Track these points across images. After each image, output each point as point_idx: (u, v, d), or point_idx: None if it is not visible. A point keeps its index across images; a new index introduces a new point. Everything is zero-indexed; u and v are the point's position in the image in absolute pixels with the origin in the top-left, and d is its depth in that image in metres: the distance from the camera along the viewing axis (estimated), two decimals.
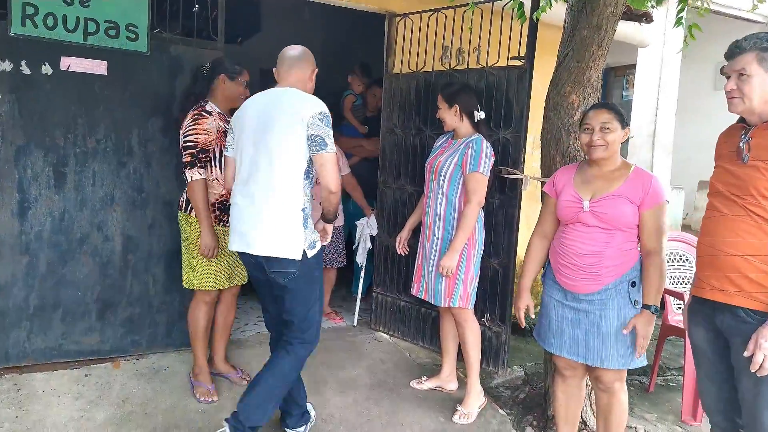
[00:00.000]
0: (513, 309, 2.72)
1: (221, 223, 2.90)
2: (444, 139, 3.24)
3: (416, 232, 3.37)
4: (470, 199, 2.95)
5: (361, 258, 4.03)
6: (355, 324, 4.12)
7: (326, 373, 3.35)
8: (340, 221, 4.14)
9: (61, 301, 3.12)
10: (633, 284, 2.34)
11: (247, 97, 2.70)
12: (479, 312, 3.25)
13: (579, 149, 3.04)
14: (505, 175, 3.21)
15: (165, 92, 3.22)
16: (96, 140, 3.12)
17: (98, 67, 3.08)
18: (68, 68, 3.02)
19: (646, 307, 2.30)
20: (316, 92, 2.53)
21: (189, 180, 2.76)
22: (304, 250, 2.38)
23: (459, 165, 3.00)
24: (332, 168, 2.36)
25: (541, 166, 3.21)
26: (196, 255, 2.89)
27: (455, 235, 2.96)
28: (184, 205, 2.92)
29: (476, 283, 3.09)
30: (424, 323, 3.73)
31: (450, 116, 3.06)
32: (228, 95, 2.94)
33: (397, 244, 3.41)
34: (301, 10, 6.12)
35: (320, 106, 2.35)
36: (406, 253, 3.43)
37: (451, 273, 2.96)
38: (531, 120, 3.22)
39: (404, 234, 3.38)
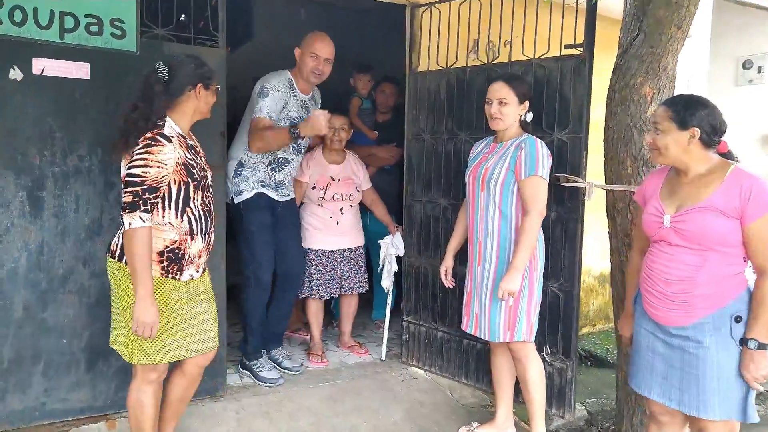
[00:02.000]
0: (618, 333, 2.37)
1: (170, 275, 2.14)
2: (484, 143, 2.77)
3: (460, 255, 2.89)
4: (529, 210, 2.49)
5: (386, 282, 3.54)
6: (383, 358, 3.62)
7: (359, 421, 2.85)
8: (360, 240, 3.64)
9: (42, 352, 2.60)
10: (737, 319, 1.90)
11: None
12: (536, 343, 2.76)
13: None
14: (564, 183, 2.74)
15: None
16: (78, 157, 2.61)
17: (78, 71, 2.59)
18: (42, 72, 2.52)
19: (751, 341, 1.86)
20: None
21: (127, 227, 2.02)
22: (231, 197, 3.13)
23: (511, 170, 2.54)
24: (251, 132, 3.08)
25: (606, 171, 2.75)
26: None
27: (515, 252, 2.49)
28: (117, 251, 2.14)
29: (538, 311, 2.62)
30: (467, 356, 3.24)
31: (516, 112, 2.59)
32: (201, 109, 2.25)
33: (443, 276, 2.91)
34: (296, 12, 5.68)
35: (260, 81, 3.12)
36: (454, 285, 2.94)
37: (513, 296, 2.48)
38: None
39: (448, 261, 2.90)
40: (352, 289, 3.60)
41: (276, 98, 3.07)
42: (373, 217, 3.73)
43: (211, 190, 2.30)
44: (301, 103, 3.22)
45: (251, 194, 3.14)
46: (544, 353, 2.87)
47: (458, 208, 3.09)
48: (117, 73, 2.63)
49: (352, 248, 3.57)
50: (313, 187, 3.46)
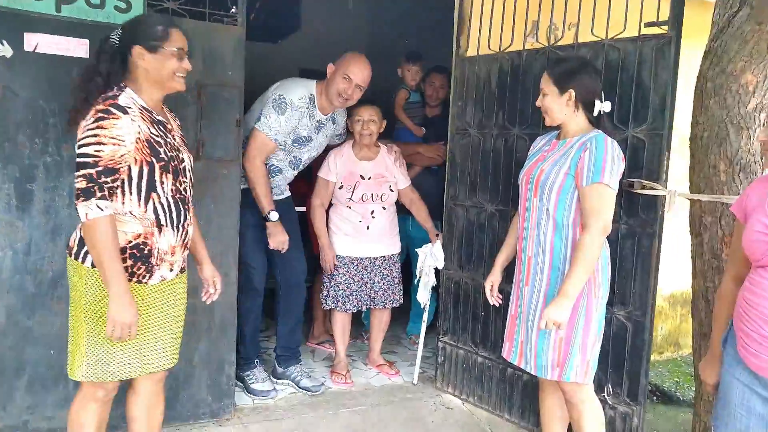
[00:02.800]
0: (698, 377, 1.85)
1: (135, 278, 1.81)
2: (545, 140, 2.32)
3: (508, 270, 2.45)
4: (589, 224, 2.02)
5: (423, 296, 3.12)
6: (415, 381, 3.21)
7: None
8: (395, 248, 3.23)
9: (26, 364, 2.31)
10: None
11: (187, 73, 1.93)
12: (596, 381, 2.29)
13: (755, 152, 2.08)
14: (640, 191, 2.25)
15: None
16: (74, 146, 2.30)
17: (77, 48, 2.28)
18: (35, 49, 2.23)
19: None
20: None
21: (83, 218, 1.70)
22: None
23: (571, 174, 2.08)
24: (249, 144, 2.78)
25: (692, 177, 2.26)
26: (85, 324, 1.80)
27: (569, 275, 2.03)
28: (75, 248, 1.82)
29: (599, 346, 2.15)
30: (511, 388, 2.78)
31: (559, 105, 2.13)
32: (153, 77, 1.85)
33: (487, 291, 2.48)
34: (343, 2, 5.34)
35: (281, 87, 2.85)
36: (500, 303, 2.51)
37: (561, 329, 2.03)
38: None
39: (495, 276, 2.46)
40: (384, 303, 3.19)
41: (291, 118, 2.79)
42: (416, 221, 3.31)
43: (188, 175, 1.96)
44: (317, 124, 2.92)
45: (241, 187, 2.79)
46: (605, 393, 2.39)
47: (507, 215, 2.66)
48: None
49: (384, 257, 3.17)
50: (341, 187, 3.08)
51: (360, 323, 3.71)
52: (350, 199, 3.06)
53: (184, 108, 2.44)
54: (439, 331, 3.12)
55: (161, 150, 1.82)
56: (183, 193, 1.91)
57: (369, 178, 3.09)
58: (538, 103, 2.21)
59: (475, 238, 2.92)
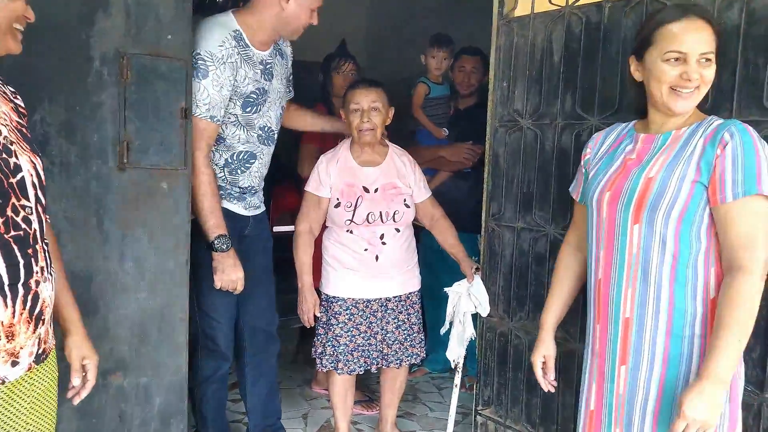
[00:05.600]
0: None
1: None
2: (614, 134, 1.57)
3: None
4: (743, 261, 1.28)
5: (455, 352, 2.25)
6: None
7: None
8: (413, 284, 2.37)
9: None
10: None
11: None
12: None
13: None
14: None
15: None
16: None
17: None
18: None
19: None
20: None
21: None
22: None
23: (702, 183, 1.33)
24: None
25: None
26: None
27: (716, 346, 1.27)
28: None
29: None
30: None
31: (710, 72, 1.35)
32: None
33: (537, 371, 1.69)
34: None
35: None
36: (555, 387, 1.70)
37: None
38: None
39: (547, 346, 1.69)
40: (401, 360, 2.34)
41: (219, 78, 1.89)
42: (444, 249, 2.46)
43: (32, 195, 1.13)
44: (261, 67, 2.04)
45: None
46: None
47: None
48: None
49: (400, 297, 2.31)
50: (337, 205, 2.22)
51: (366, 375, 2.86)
52: (351, 220, 2.20)
53: (97, 91, 1.59)
54: (476, 398, 2.27)
55: None
56: (22, 226, 1.08)
57: (375, 191, 2.23)
58: (695, 77, 1.34)
59: (530, 273, 2.06)
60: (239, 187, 2.08)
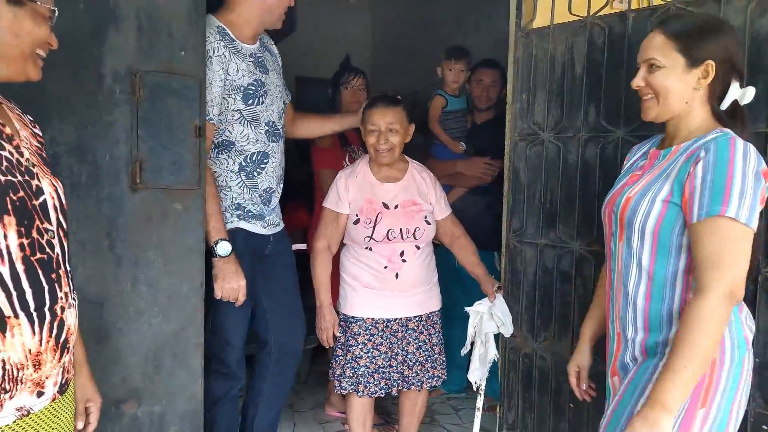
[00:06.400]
0: None
1: None
2: (643, 150, 1.51)
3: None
4: (705, 283, 1.20)
5: (477, 374, 2.18)
6: None
7: None
8: (434, 302, 2.30)
9: None
10: None
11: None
12: None
13: None
14: None
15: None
16: None
17: None
18: None
19: None
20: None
21: None
22: None
23: (675, 203, 1.29)
24: None
25: None
26: None
27: (668, 368, 1.19)
28: None
29: None
30: None
31: (684, 87, 1.33)
32: (2, 49, 1.00)
33: (572, 381, 1.64)
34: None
35: None
36: (591, 397, 1.62)
37: None
38: None
39: (582, 357, 1.63)
40: (421, 383, 2.26)
41: (208, 76, 1.82)
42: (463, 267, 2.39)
43: (55, 218, 1.08)
44: (253, 59, 2.00)
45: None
46: None
47: (603, 258, 1.73)
48: None
49: (420, 317, 2.24)
50: (356, 221, 2.16)
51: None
52: (371, 237, 2.14)
53: (109, 109, 1.54)
54: (500, 421, 2.19)
55: None
56: (46, 250, 1.03)
57: (396, 207, 2.17)
58: (637, 83, 1.38)
59: (555, 291, 1.99)
60: (259, 195, 2.03)
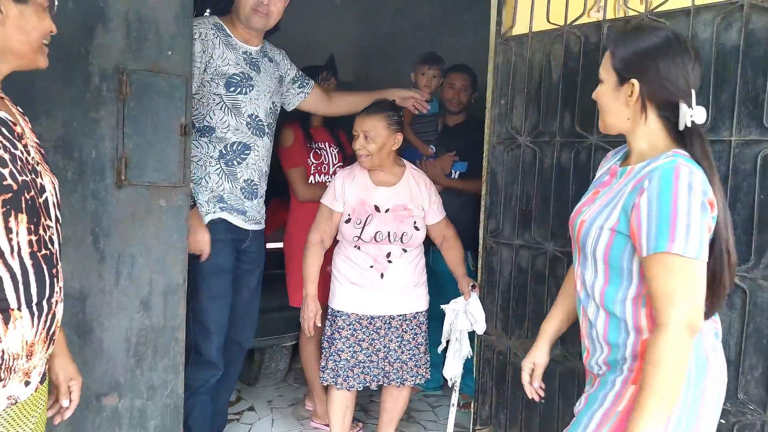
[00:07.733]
0: None
1: None
2: (612, 162, 1.47)
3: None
4: (662, 318, 1.18)
5: (452, 369, 2.24)
6: None
7: None
8: (420, 303, 2.35)
9: None
10: None
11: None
12: None
13: None
14: None
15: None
16: None
17: None
18: None
19: None
20: None
21: None
22: None
23: (622, 233, 1.26)
24: None
25: None
26: None
27: (639, 406, 1.16)
28: None
29: None
30: None
31: (616, 103, 1.33)
32: (13, 45, 1.05)
33: (524, 377, 1.60)
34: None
35: None
36: (542, 397, 1.64)
37: None
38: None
39: (539, 354, 1.58)
40: (402, 380, 2.31)
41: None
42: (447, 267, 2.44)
43: (54, 214, 1.12)
44: (244, 56, 2.11)
45: (206, 219, 2.07)
46: None
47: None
48: None
49: (404, 315, 2.29)
50: (348, 220, 2.22)
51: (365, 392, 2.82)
52: (359, 237, 2.19)
53: (95, 106, 1.56)
54: (474, 417, 2.25)
55: (5, 171, 0.97)
56: (49, 246, 1.07)
57: (386, 211, 2.22)
58: (593, 96, 1.41)
59: (529, 291, 2.06)
60: (240, 187, 2.10)
